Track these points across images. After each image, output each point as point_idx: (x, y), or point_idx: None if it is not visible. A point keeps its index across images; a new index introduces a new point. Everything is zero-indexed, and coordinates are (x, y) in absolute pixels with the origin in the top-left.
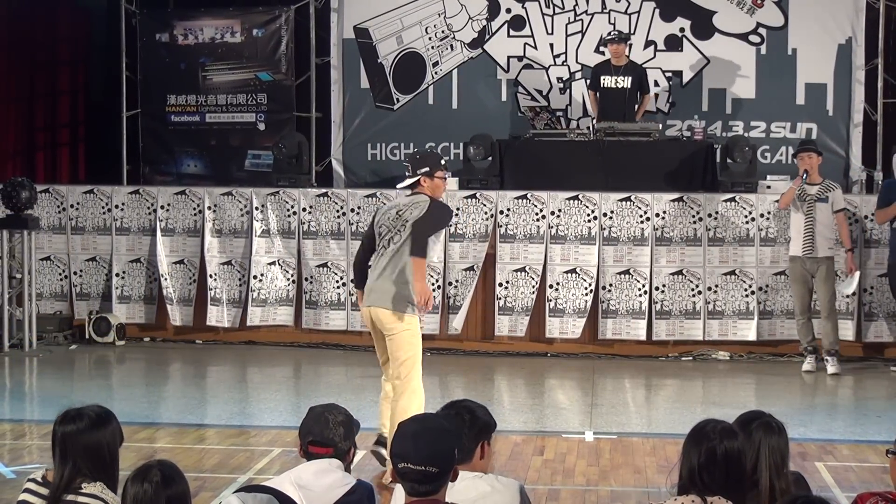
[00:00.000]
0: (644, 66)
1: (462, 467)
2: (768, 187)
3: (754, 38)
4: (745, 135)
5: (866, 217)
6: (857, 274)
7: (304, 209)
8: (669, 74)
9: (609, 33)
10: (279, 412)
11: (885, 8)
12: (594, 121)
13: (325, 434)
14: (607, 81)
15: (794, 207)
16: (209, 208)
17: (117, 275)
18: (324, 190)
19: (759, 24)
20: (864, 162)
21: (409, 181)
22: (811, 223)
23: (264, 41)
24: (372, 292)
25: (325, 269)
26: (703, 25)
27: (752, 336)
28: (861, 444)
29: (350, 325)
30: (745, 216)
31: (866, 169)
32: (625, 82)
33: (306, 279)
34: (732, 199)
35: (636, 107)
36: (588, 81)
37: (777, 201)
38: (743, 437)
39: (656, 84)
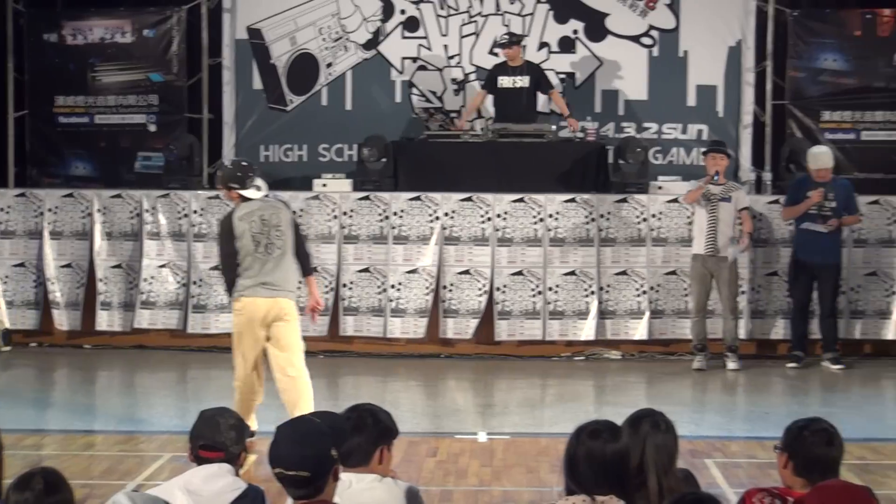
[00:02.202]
0: (540, 65)
1: (359, 470)
2: (660, 188)
3: (646, 41)
4: (638, 136)
5: (754, 217)
6: (742, 247)
7: (195, 211)
8: (563, 76)
9: (501, 37)
10: (169, 417)
11: (775, 11)
12: (464, 110)
13: (217, 438)
14: (505, 82)
15: (698, 206)
16: (98, 211)
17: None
18: (216, 192)
19: (651, 27)
20: (754, 163)
21: (264, 189)
22: (714, 222)
23: (155, 42)
24: (271, 286)
25: (216, 272)
26: (596, 27)
27: (643, 335)
28: (750, 441)
29: None
30: (637, 216)
31: (756, 170)
32: (523, 82)
33: (195, 283)
34: (624, 200)
35: (549, 107)
36: (483, 84)
37: (672, 199)
38: (631, 436)
39: (550, 86)
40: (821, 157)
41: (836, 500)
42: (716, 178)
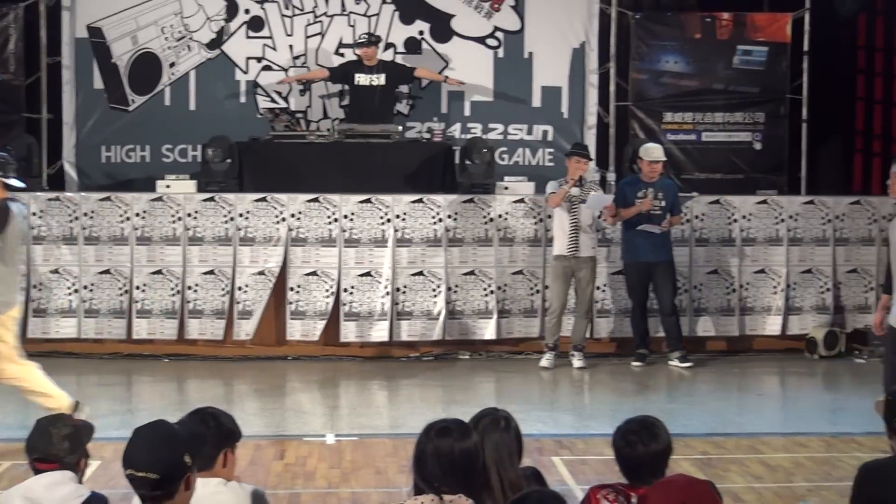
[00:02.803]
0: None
1: (204, 475)
2: (506, 188)
3: (492, 42)
4: (484, 137)
5: (599, 216)
6: (599, 197)
7: (34, 213)
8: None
9: (360, 37)
10: (7, 425)
11: (617, 14)
12: (299, 73)
13: (49, 451)
14: (362, 80)
15: (559, 208)
16: None
17: None
18: (55, 194)
19: (496, 28)
20: (598, 163)
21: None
22: (576, 223)
23: None
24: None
25: (56, 275)
26: (442, 29)
27: (491, 335)
28: (595, 438)
29: (83, 332)
30: (484, 217)
31: (600, 170)
32: (379, 80)
33: (35, 286)
34: (471, 201)
35: (423, 82)
36: (330, 68)
37: (519, 199)
38: (477, 436)
39: (397, 88)
40: (654, 151)
41: (679, 494)
42: (584, 183)
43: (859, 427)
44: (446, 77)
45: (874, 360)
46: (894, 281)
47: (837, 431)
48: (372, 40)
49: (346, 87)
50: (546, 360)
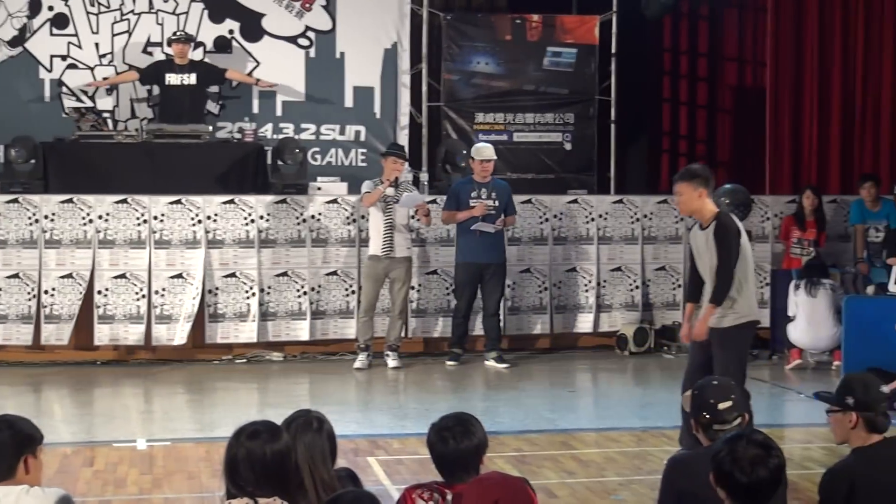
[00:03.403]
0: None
1: (6, 483)
2: (319, 188)
3: (303, 42)
4: (296, 137)
5: (413, 217)
6: (413, 196)
7: None
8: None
9: (175, 33)
10: None
11: (429, 15)
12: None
13: None
14: (173, 79)
15: (374, 208)
16: None
17: None
18: None
19: (307, 28)
20: (411, 164)
21: None
22: (390, 223)
23: None
24: None
25: None
26: (252, 28)
27: (305, 336)
28: (410, 437)
29: None
30: (297, 217)
31: (413, 170)
32: (190, 80)
33: None
34: (284, 201)
35: (234, 83)
36: (140, 70)
37: (332, 200)
38: (288, 437)
39: (207, 88)
40: (485, 150)
41: (493, 491)
42: (399, 183)
43: (668, 421)
44: (257, 80)
45: (682, 356)
46: (705, 289)
47: (647, 426)
48: (188, 37)
49: (157, 87)
50: (360, 361)
